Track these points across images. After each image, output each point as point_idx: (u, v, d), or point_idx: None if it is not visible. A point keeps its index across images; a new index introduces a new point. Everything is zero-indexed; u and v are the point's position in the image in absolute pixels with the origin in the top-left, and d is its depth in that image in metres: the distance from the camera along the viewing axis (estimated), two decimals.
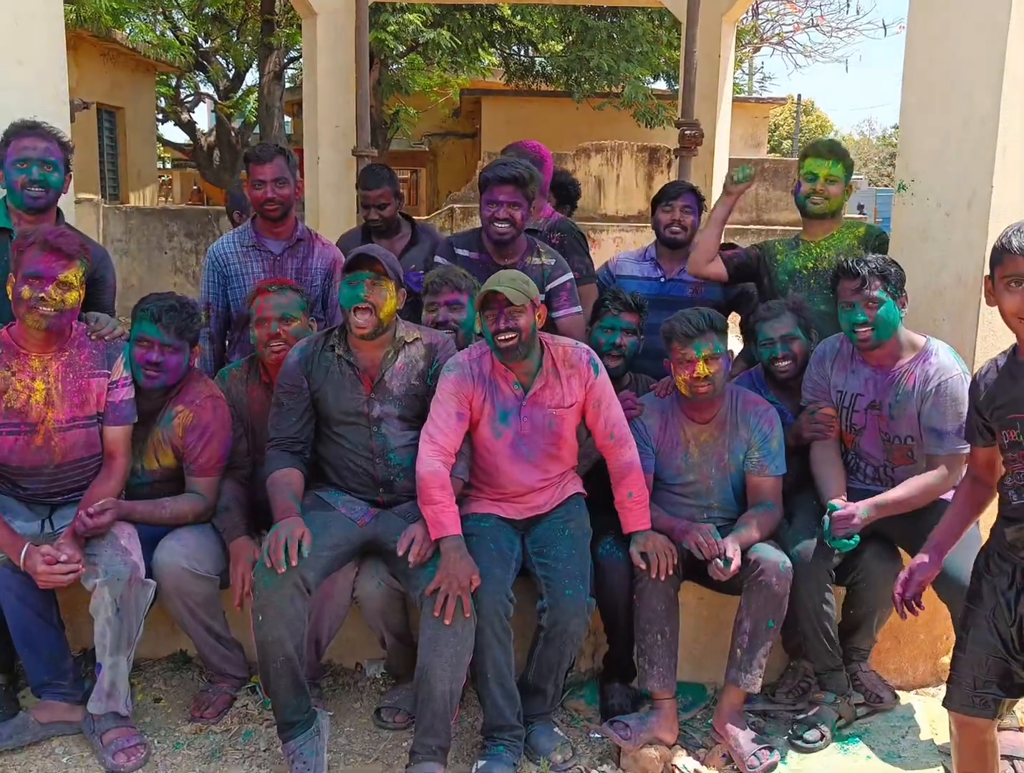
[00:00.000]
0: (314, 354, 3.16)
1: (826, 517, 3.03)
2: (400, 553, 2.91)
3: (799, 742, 3.11)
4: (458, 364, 3.09)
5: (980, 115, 3.29)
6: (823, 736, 3.12)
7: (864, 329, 3.09)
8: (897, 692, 3.35)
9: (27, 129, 3.34)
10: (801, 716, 3.20)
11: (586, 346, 3.22)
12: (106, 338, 3.14)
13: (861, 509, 3.00)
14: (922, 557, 2.61)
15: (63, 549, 2.83)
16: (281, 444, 3.12)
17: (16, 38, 3.55)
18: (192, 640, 3.23)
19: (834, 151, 3.77)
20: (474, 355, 3.12)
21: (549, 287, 3.66)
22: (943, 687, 3.38)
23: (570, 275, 3.75)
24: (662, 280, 4.20)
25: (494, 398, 3.09)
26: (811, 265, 3.81)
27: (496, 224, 3.61)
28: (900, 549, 3.22)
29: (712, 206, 3.81)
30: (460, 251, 3.82)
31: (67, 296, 2.91)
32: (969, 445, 2.62)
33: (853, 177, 3.84)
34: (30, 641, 2.99)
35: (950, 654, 3.39)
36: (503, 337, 2.96)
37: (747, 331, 3.88)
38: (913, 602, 2.64)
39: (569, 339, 3.24)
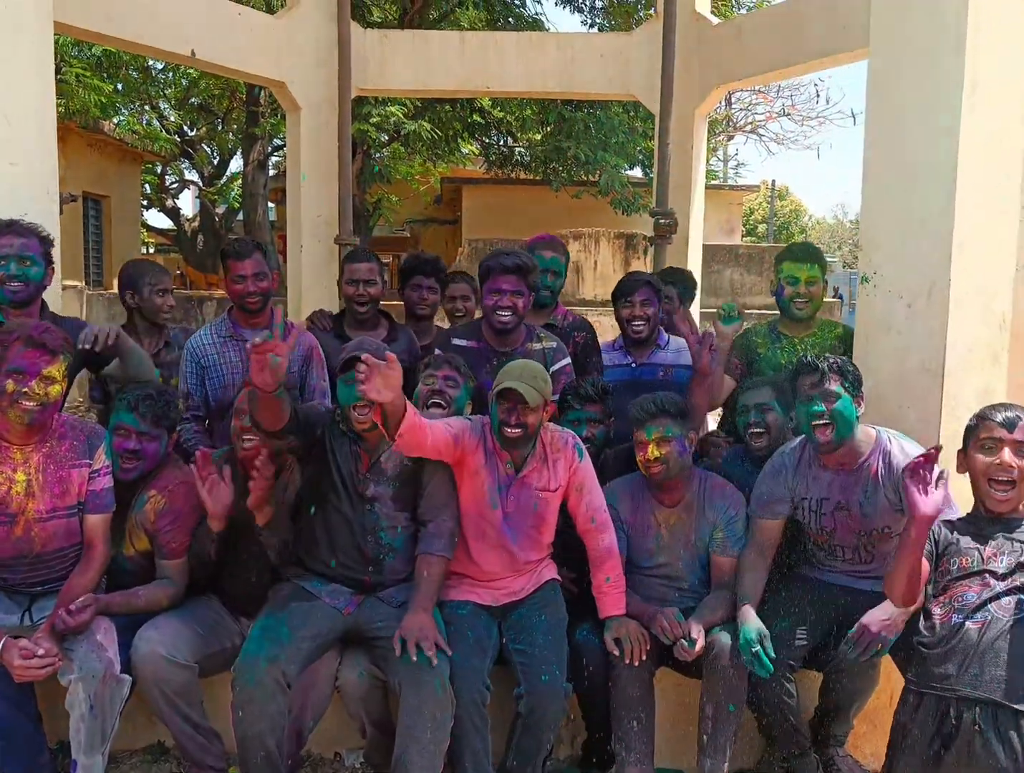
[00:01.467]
0: (332, 426, 3.22)
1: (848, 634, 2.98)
2: (397, 653, 2.88)
3: None
4: (471, 420, 3.20)
5: (936, 210, 3.43)
6: None
7: (822, 421, 3.12)
8: None
9: (4, 227, 3.46)
10: None
11: (571, 431, 3.31)
12: (97, 345, 3.28)
13: (890, 610, 2.91)
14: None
15: (40, 643, 2.83)
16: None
17: (8, 138, 3.64)
18: (170, 730, 3.18)
19: (811, 254, 3.95)
20: (483, 422, 3.21)
21: (552, 370, 3.68)
22: None
23: (568, 359, 3.83)
24: (633, 366, 4.29)
25: (494, 469, 3.16)
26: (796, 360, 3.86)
27: (500, 313, 3.67)
28: None
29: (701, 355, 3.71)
30: (458, 341, 3.86)
31: (50, 390, 2.96)
32: None
33: (828, 259, 4.00)
34: (6, 733, 2.96)
35: None
36: (511, 430, 3.05)
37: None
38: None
39: (555, 424, 3.32)
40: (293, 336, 2.88)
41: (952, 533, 2.79)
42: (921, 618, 2.72)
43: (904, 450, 3.15)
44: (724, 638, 3.08)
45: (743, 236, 23.12)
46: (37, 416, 2.97)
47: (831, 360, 3.16)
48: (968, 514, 2.82)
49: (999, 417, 2.75)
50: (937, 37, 3.43)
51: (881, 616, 2.89)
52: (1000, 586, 2.62)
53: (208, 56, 6.12)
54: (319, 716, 3.19)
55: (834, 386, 3.12)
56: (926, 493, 2.59)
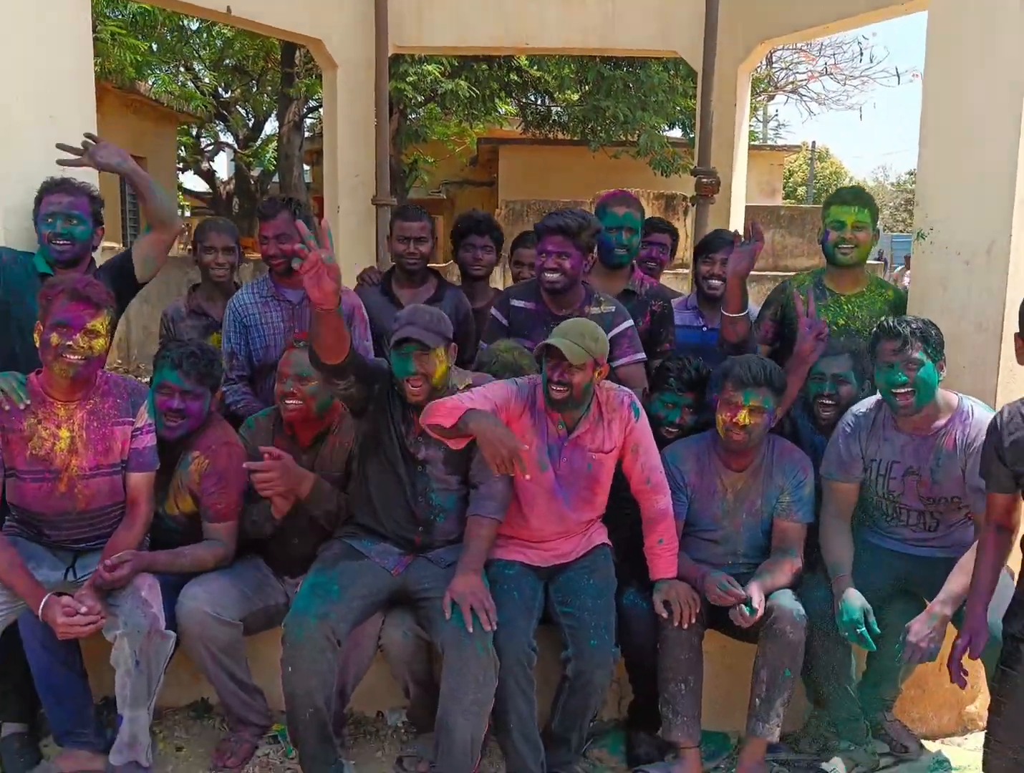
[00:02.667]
0: (387, 384, 3.15)
1: (899, 647, 2.89)
2: (447, 616, 2.85)
3: None
4: (518, 384, 3.11)
5: (997, 164, 3.32)
6: None
7: (904, 390, 3.02)
8: (922, 741, 3.32)
9: (56, 185, 3.46)
10: (813, 763, 3.18)
11: (628, 390, 3.23)
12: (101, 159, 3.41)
13: (933, 619, 2.84)
14: (975, 627, 2.64)
15: (84, 600, 2.84)
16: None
17: (48, 94, 3.63)
18: (214, 687, 3.22)
19: (859, 197, 3.74)
20: (533, 383, 3.13)
21: (611, 335, 3.57)
22: (968, 736, 3.42)
23: (630, 322, 3.71)
24: (704, 329, 4.23)
25: (543, 430, 3.10)
26: (842, 322, 3.74)
27: (545, 274, 3.59)
28: (928, 602, 3.19)
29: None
30: (516, 302, 3.80)
31: (94, 344, 2.95)
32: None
33: None
34: (53, 689, 3.00)
35: (975, 703, 3.41)
36: (555, 389, 2.98)
37: None
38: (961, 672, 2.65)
39: (611, 382, 3.24)
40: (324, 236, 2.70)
41: (1020, 447, 2.47)
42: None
43: (982, 418, 3.02)
44: (784, 602, 3.02)
45: (783, 198, 22.77)
46: (82, 370, 2.96)
47: (914, 325, 3.03)
48: None
49: None
50: None
51: (926, 631, 2.80)
52: None
53: (244, 13, 6.03)
54: (361, 675, 3.19)
55: (916, 353, 3.00)
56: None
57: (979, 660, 2.83)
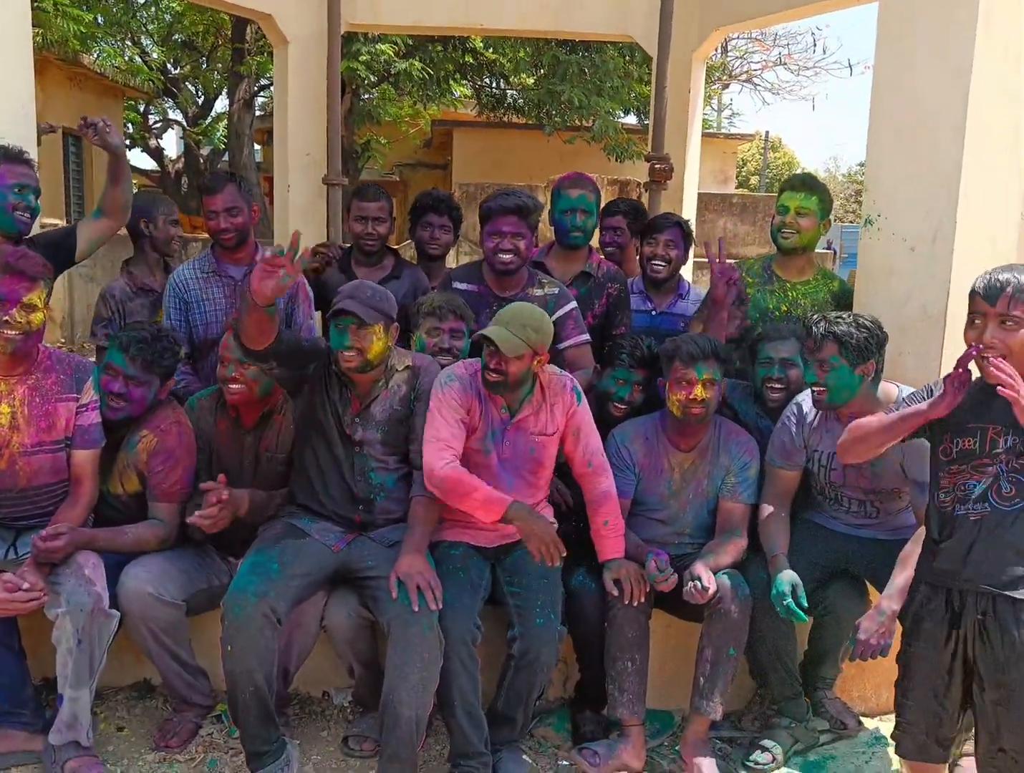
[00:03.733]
0: (326, 364, 3.13)
1: (850, 644, 2.90)
2: (393, 595, 2.84)
3: (750, 764, 3.14)
4: (457, 376, 3.09)
5: (944, 152, 3.35)
6: (774, 759, 3.15)
7: (816, 388, 3.08)
8: (861, 719, 3.38)
9: (18, 155, 3.40)
10: (756, 740, 3.23)
11: (569, 374, 3.24)
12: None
13: (881, 615, 2.83)
14: (891, 605, 2.74)
15: (25, 576, 2.78)
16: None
17: None
18: (157, 668, 3.18)
19: (807, 184, 3.78)
20: (471, 370, 3.12)
21: (555, 317, 3.56)
22: None
23: (574, 304, 3.70)
24: (653, 313, 4.23)
25: (488, 415, 3.10)
26: (785, 308, 3.80)
27: (501, 255, 3.57)
28: (869, 584, 3.26)
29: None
30: (459, 285, 3.77)
31: (32, 318, 2.88)
32: None
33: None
34: None
35: None
36: (491, 375, 2.99)
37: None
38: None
39: (554, 366, 3.25)
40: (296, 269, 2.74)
41: (956, 409, 2.44)
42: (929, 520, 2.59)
43: None
44: (728, 582, 3.05)
45: (736, 187, 22.95)
46: (20, 345, 2.90)
47: (835, 326, 3.01)
48: (979, 379, 2.48)
49: (980, 286, 2.41)
50: None
51: (875, 627, 2.81)
52: (1002, 470, 2.40)
53: None
54: (305, 656, 3.17)
55: (828, 356, 3.02)
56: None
57: None
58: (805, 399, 3.29)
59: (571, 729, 3.32)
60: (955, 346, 3.31)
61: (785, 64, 21.77)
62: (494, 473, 3.11)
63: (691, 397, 3.15)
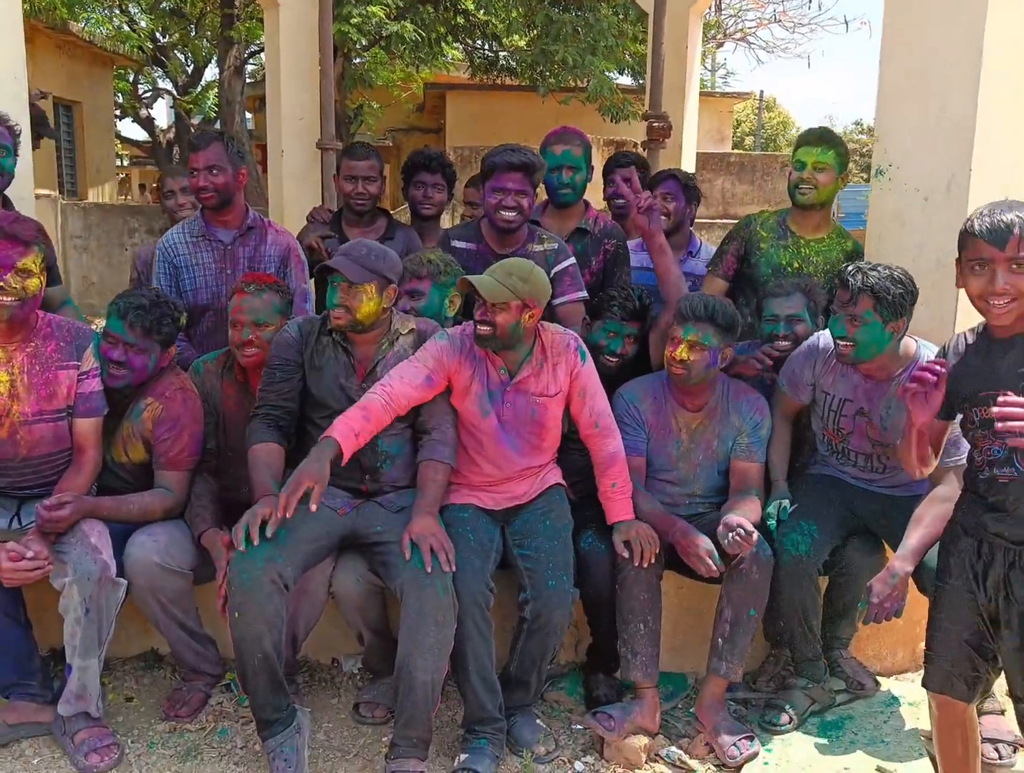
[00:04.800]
0: (311, 334, 3.09)
1: (861, 606, 2.89)
2: (407, 557, 2.78)
3: (767, 725, 3.11)
4: (450, 335, 3.04)
5: (958, 100, 3.28)
6: (791, 720, 3.12)
7: (843, 342, 3.01)
8: (878, 678, 3.35)
9: None
10: (772, 700, 3.20)
11: (573, 333, 3.18)
12: None
13: (894, 577, 2.77)
14: (904, 566, 2.72)
15: (30, 545, 2.73)
16: (269, 416, 3.03)
17: None
18: (165, 637, 3.14)
19: (824, 138, 3.70)
20: (468, 331, 3.06)
21: (553, 272, 3.53)
22: (921, 672, 3.43)
23: (572, 260, 3.65)
24: None
25: (483, 377, 3.04)
26: (797, 265, 3.74)
27: (503, 212, 3.50)
28: (884, 542, 3.22)
29: None
30: (457, 243, 3.71)
31: (28, 283, 2.82)
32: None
33: None
34: None
35: None
36: (479, 328, 2.93)
37: None
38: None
39: (557, 325, 3.19)
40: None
41: (964, 374, 2.40)
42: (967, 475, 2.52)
43: None
44: None
45: (732, 147, 22.75)
46: (16, 312, 2.84)
47: (870, 280, 2.89)
48: (979, 335, 2.44)
49: (982, 228, 2.26)
50: None
51: (887, 590, 2.75)
52: None
53: None
54: (313, 623, 3.13)
55: (862, 311, 2.92)
56: (925, 402, 2.39)
57: (928, 596, 2.86)
58: (823, 337, 3.23)
59: (583, 693, 3.29)
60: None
61: (780, 21, 21.48)
62: (493, 435, 3.06)
63: (672, 355, 3.10)
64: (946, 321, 3.32)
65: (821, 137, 3.73)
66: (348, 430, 2.85)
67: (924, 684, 2.54)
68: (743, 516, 3.01)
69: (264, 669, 2.75)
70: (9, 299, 2.79)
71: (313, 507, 2.68)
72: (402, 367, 2.99)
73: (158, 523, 3.06)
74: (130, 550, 2.96)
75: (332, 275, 2.97)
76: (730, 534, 2.89)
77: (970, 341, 2.43)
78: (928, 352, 3.07)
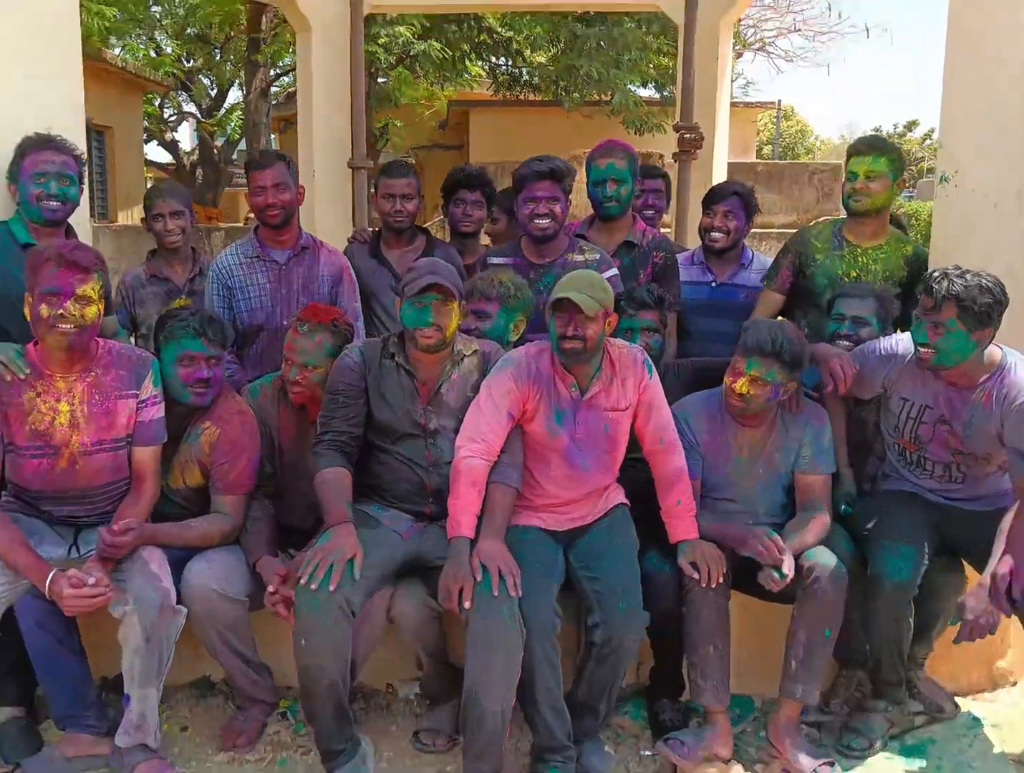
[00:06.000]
0: (373, 358, 3.05)
1: (952, 623, 2.84)
2: (478, 578, 2.72)
3: (845, 750, 3.02)
4: (514, 360, 2.98)
5: None
6: (871, 744, 3.03)
7: (924, 349, 2.94)
8: (956, 701, 3.26)
9: (44, 142, 3.33)
10: (850, 724, 3.10)
11: (639, 346, 3.12)
12: None
13: (986, 591, 2.72)
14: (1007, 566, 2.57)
15: (91, 572, 2.69)
16: (335, 442, 2.98)
17: (36, 50, 3.47)
18: (221, 665, 3.09)
19: (874, 146, 3.63)
20: (532, 352, 3.00)
21: None
22: (999, 692, 3.36)
23: (615, 270, 3.62)
24: (713, 285, 4.13)
25: (551, 397, 2.97)
26: (855, 274, 3.66)
27: (537, 220, 3.53)
28: (964, 561, 3.14)
29: None
30: (495, 260, 3.74)
31: (87, 311, 2.79)
32: None
33: None
34: (52, 670, 2.87)
35: (1006, 659, 3.35)
36: (569, 343, 2.86)
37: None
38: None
39: (622, 340, 3.14)
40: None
41: None
42: None
43: (1023, 377, 2.94)
44: (823, 559, 2.91)
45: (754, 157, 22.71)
46: (75, 339, 2.81)
47: (956, 288, 2.82)
48: None
49: None
50: None
51: (982, 605, 2.68)
52: None
53: None
54: (372, 648, 3.05)
55: (945, 319, 2.85)
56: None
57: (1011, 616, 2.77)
58: (902, 342, 3.15)
59: (648, 717, 3.20)
60: None
61: (799, 30, 21.41)
62: (565, 454, 2.99)
63: (732, 386, 3.03)
64: (1020, 330, 3.23)
65: (871, 145, 3.66)
66: (473, 520, 2.83)
67: None
68: (804, 537, 2.96)
69: (330, 698, 2.70)
70: (68, 326, 2.76)
71: (467, 605, 2.69)
72: (481, 411, 2.91)
73: (214, 549, 3.02)
74: (188, 576, 2.91)
75: (423, 295, 2.89)
76: (764, 570, 2.85)
77: None
78: (1015, 359, 3.00)
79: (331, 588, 2.64)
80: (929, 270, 3.03)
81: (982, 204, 3.37)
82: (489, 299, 3.34)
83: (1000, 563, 2.68)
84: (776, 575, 2.83)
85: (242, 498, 3.12)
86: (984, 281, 2.85)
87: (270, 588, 2.87)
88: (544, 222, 3.54)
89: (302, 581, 2.68)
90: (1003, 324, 3.13)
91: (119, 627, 2.76)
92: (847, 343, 3.34)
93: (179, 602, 2.87)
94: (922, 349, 2.95)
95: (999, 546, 2.73)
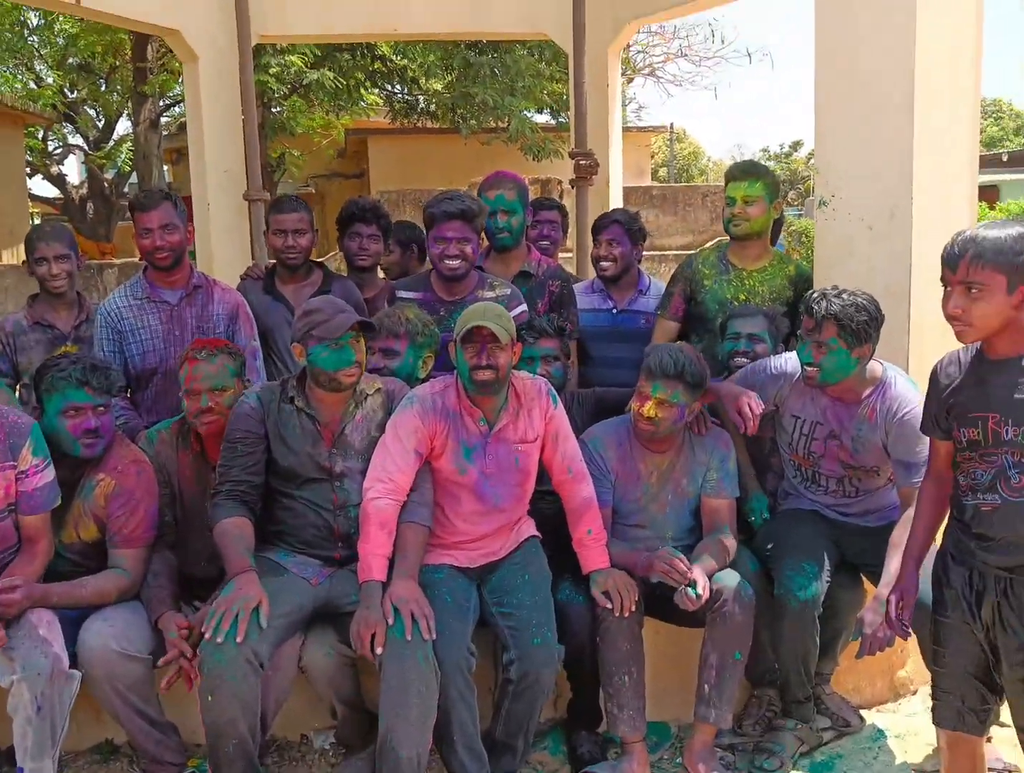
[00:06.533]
0: (271, 403, 2.99)
1: (854, 638, 2.91)
2: (390, 622, 2.68)
3: (758, 770, 3.05)
4: (419, 397, 2.95)
5: (894, 128, 3.33)
6: (782, 764, 3.07)
7: (810, 369, 3.02)
8: (861, 713, 3.32)
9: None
10: (761, 744, 3.14)
11: (542, 378, 3.13)
12: None
13: (883, 605, 2.73)
14: (905, 583, 2.60)
15: None
16: (234, 492, 2.91)
17: None
18: (123, 727, 2.96)
19: (749, 171, 3.74)
20: (436, 388, 2.98)
21: None
22: (901, 702, 3.45)
23: (524, 306, 3.63)
24: (614, 311, 4.17)
25: (458, 433, 2.95)
26: (744, 297, 3.75)
27: (447, 260, 3.50)
28: (862, 575, 3.22)
29: None
30: (403, 293, 3.69)
31: None
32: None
33: None
34: None
35: (906, 668, 3.44)
36: (482, 373, 2.85)
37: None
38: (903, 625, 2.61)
39: (525, 371, 3.15)
40: None
41: (956, 393, 2.39)
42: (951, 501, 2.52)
43: (903, 390, 3.05)
44: (730, 582, 2.95)
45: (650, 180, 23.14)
46: None
47: (835, 306, 2.90)
48: (973, 355, 2.39)
49: (943, 252, 2.28)
50: None
51: (879, 619, 2.74)
52: (1008, 462, 2.28)
53: (95, 4, 5.72)
54: (284, 700, 2.97)
55: (827, 337, 2.93)
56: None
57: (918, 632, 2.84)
58: (790, 361, 3.22)
59: (567, 751, 3.19)
60: (920, 322, 3.33)
61: (686, 55, 21.93)
62: (474, 489, 2.98)
63: (639, 411, 3.06)
64: (898, 347, 3.35)
65: (746, 171, 3.77)
66: (383, 563, 2.80)
67: (935, 722, 2.51)
68: (712, 560, 2.99)
69: (240, 755, 2.63)
70: None
71: (379, 651, 2.65)
72: (388, 451, 2.89)
73: (112, 606, 2.91)
74: (84, 637, 2.80)
75: (338, 337, 2.85)
76: (679, 590, 2.87)
77: (964, 359, 2.42)
78: (895, 373, 3.11)
79: (238, 640, 2.57)
80: (809, 291, 3.11)
81: (858, 226, 3.47)
82: (397, 337, 3.31)
83: (888, 588, 2.73)
84: (691, 593, 2.85)
85: (141, 551, 3.01)
86: (860, 299, 2.94)
87: (165, 657, 2.80)
88: (454, 263, 3.51)
89: (207, 636, 2.59)
90: (882, 340, 3.20)
91: (8, 697, 2.63)
92: (744, 360, 3.42)
93: (76, 664, 2.76)
94: (808, 368, 3.03)
95: (891, 557, 2.81)
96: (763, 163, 4.61)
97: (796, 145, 38.41)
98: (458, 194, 3.62)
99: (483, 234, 3.90)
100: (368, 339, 3.15)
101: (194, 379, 3.08)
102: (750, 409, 3.07)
